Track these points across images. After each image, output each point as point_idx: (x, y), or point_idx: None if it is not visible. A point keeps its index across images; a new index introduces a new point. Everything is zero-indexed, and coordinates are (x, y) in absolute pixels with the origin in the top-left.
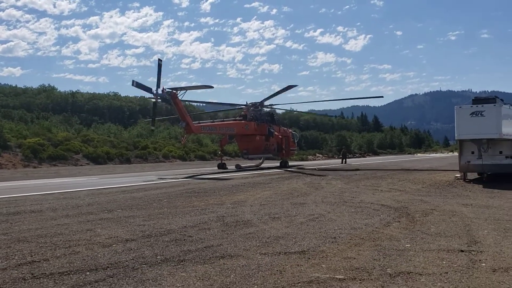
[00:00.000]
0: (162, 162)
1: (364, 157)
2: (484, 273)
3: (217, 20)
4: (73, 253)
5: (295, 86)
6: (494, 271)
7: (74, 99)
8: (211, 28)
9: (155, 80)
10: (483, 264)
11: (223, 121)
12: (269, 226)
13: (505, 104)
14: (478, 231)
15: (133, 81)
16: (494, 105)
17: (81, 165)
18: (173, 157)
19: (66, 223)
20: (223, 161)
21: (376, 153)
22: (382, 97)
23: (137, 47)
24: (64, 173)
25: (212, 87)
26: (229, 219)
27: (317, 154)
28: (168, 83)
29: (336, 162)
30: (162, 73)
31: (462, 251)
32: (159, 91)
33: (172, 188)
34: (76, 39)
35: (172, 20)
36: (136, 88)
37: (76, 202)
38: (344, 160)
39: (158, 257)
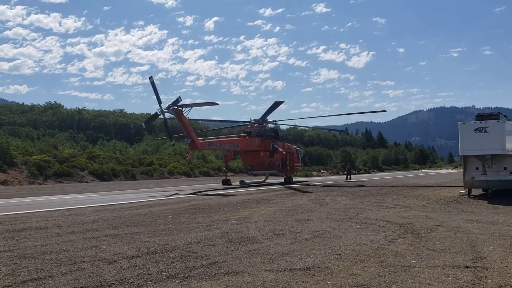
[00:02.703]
0: (167, 178)
1: (369, 173)
2: None
3: (220, 38)
4: (79, 269)
5: (282, 102)
6: None
7: (80, 116)
8: (215, 46)
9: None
10: (489, 281)
11: (227, 137)
12: (274, 243)
13: (508, 120)
14: (483, 247)
15: (151, 76)
16: (498, 121)
17: (87, 182)
18: (178, 173)
19: (71, 239)
20: (227, 177)
21: (381, 169)
22: (385, 111)
23: (142, 65)
24: (70, 190)
25: (217, 104)
26: (234, 236)
27: (322, 170)
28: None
29: (341, 178)
30: (167, 89)
31: (467, 267)
32: (163, 107)
33: (177, 204)
34: (81, 57)
35: (177, 38)
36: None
37: (82, 218)
38: (349, 176)
39: (163, 273)
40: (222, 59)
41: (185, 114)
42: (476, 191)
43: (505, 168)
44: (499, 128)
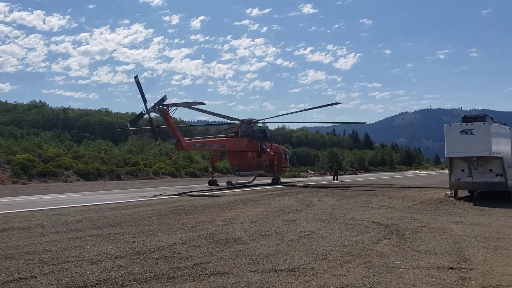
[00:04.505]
0: (153, 178)
1: (355, 174)
2: None
3: (207, 37)
4: (62, 270)
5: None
6: None
7: (65, 115)
8: (202, 45)
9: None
10: (473, 282)
11: (214, 137)
12: (260, 244)
13: (494, 122)
14: (468, 248)
15: (136, 75)
16: (484, 123)
17: (71, 182)
18: (163, 174)
19: (54, 239)
20: (214, 178)
21: (367, 170)
22: (365, 123)
23: (127, 64)
24: (54, 190)
25: (204, 104)
26: (219, 237)
27: (309, 171)
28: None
29: (328, 179)
30: (152, 89)
31: (452, 268)
32: (148, 106)
33: (162, 205)
34: (66, 56)
35: (162, 37)
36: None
37: (66, 218)
38: (335, 177)
39: (148, 274)
40: (209, 58)
41: (171, 114)
42: (462, 193)
43: (491, 170)
44: (485, 130)
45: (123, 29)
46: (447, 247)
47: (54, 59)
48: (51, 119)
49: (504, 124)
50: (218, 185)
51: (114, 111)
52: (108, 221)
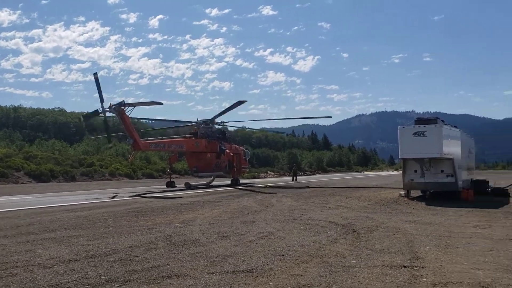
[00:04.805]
0: (109, 180)
1: (314, 174)
2: None
3: (165, 37)
4: (10, 275)
5: (245, 101)
6: (434, 286)
7: (16, 114)
8: (160, 44)
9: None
10: (424, 279)
11: (172, 138)
12: (218, 245)
13: (445, 124)
14: (420, 247)
15: (95, 73)
16: (435, 126)
17: (23, 183)
18: (120, 175)
19: (3, 244)
20: (172, 179)
21: (325, 171)
22: (331, 117)
23: (83, 62)
24: (4, 192)
25: (162, 104)
26: (176, 239)
27: (269, 172)
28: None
29: (287, 179)
30: (109, 88)
31: (404, 266)
32: (105, 106)
33: (118, 207)
34: (17, 52)
35: (120, 35)
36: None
37: (16, 222)
38: (294, 177)
39: (102, 277)
40: (167, 57)
41: (127, 113)
42: (415, 193)
43: (442, 171)
44: (436, 132)
45: (79, 26)
46: (400, 246)
47: (4, 56)
48: (1, 118)
49: (455, 127)
50: (176, 186)
51: (69, 110)
52: (61, 224)
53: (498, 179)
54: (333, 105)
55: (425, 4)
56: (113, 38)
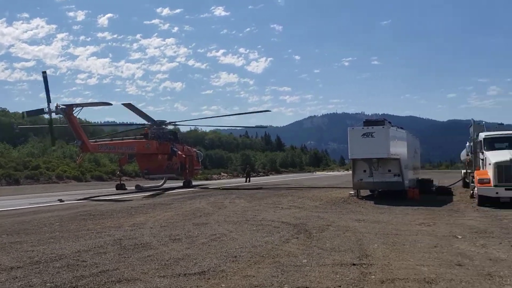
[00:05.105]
0: (56, 183)
1: (267, 175)
2: (373, 285)
3: (115, 36)
4: None
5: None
6: (382, 283)
7: None
8: (109, 43)
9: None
10: (373, 277)
11: (122, 139)
12: (169, 248)
13: (392, 126)
14: (369, 245)
15: (44, 71)
16: (383, 127)
17: None
18: (67, 178)
19: None
20: (122, 182)
21: (279, 172)
22: (270, 111)
23: (27, 60)
24: None
25: (111, 104)
26: (127, 242)
27: (222, 173)
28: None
29: (240, 181)
30: (55, 87)
31: (354, 264)
32: (52, 106)
33: (65, 211)
34: None
35: (67, 33)
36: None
37: None
38: (248, 178)
39: (48, 284)
40: (117, 57)
41: (75, 114)
42: (364, 192)
43: (389, 171)
44: (384, 133)
45: (22, 23)
46: (350, 244)
47: None
48: None
49: (401, 128)
50: (127, 189)
51: (12, 110)
52: (3, 230)
53: (442, 178)
54: (286, 106)
55: (374, 9)
56: (59, 36)
